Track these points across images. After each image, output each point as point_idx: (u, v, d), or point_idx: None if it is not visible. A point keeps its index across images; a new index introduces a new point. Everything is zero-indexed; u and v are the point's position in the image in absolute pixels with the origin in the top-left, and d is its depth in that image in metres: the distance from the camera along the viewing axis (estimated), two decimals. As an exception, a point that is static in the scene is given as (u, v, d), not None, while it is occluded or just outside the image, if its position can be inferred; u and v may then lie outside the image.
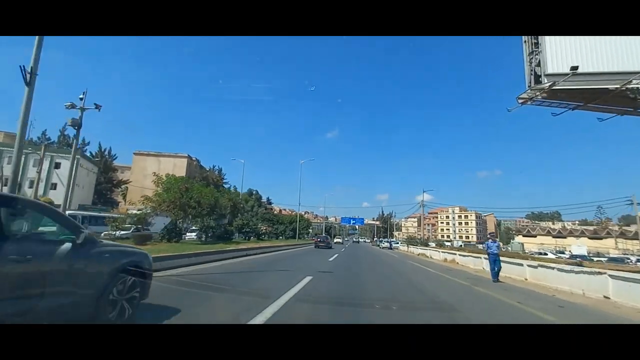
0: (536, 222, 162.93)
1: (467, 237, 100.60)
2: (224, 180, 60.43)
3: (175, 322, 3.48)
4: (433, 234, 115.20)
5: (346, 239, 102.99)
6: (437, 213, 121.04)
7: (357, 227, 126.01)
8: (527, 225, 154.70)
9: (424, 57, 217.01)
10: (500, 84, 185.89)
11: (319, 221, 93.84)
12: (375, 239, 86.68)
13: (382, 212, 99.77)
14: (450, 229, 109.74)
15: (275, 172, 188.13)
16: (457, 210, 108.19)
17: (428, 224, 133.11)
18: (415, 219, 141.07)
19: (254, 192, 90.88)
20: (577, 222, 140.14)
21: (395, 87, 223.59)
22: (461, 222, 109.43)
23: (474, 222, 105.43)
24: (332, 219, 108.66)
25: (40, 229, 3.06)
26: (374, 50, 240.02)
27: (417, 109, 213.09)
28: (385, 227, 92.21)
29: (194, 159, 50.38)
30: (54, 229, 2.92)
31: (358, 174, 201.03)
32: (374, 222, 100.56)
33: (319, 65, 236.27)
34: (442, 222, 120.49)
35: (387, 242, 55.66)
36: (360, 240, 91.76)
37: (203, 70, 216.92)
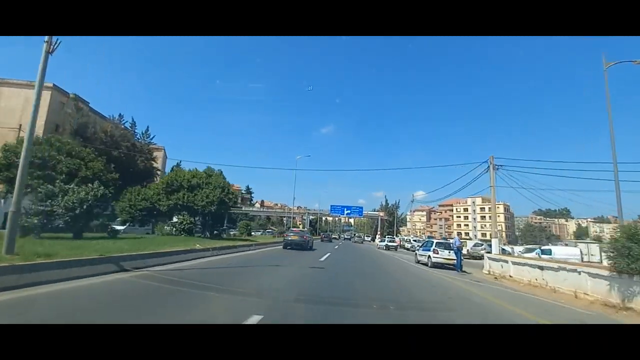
0: (549, 219, 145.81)
1: (491, 235, 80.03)
2: (151, 143, 36.83)
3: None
4: (447, 230, 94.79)
5: (342, 235, 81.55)
6: (451, 205, 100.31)
7: (352, 221, 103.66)
8: (540, 222, 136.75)
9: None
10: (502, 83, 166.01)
11: (297, 211, 70.54)
12: (389, 237, 53.49)
13: (386, 200, 76.53)
14: (470, 224, 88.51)
15: (273, 169, 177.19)
16: (478, 201, 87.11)
17: (440, 219, 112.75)
18: (424, 213, 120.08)
19: (215, 172, 67.50)
20: (589, 219, 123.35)
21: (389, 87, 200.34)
22: (484, 216, 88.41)
23: (502, 217, 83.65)
24: (325, 210, 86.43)
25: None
26: (371, 51, 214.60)
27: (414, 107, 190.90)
28: (391, 221, 69.16)
29: (69, 94, 26.94)
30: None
31: (355, 170, 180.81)
32: (375, 212, 77.41)
33: (317, 65, 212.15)
34: (458, 216, 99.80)
35: (455, 243, 15.31)
36: (362, 237, 68.22)
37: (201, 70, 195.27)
